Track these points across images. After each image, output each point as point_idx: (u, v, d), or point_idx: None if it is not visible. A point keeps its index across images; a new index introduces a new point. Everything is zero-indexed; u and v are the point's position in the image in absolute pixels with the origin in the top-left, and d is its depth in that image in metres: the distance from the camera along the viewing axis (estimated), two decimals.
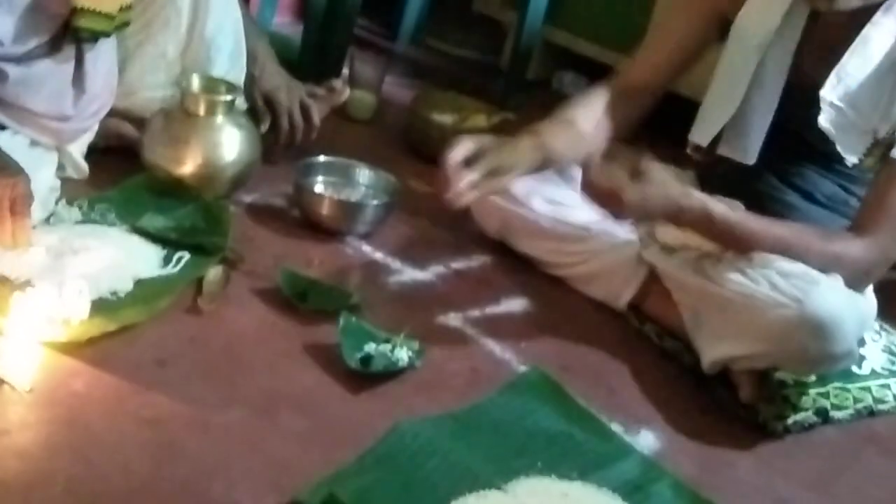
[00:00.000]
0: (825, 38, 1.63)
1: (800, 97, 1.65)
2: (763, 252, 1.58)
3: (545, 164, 1.65)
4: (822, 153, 1.64)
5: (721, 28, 1.75)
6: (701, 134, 1.75)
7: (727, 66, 1.73)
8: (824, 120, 1.60)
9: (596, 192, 1.57)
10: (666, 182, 1.58)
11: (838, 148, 1.61)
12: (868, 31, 1.58)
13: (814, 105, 1.61)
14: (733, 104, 1.70)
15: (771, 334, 1.53)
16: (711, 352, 1.62)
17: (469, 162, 1.53)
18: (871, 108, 1.58)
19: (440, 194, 1.52)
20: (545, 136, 1.65)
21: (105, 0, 1.66)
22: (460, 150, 1.53)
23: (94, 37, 1.69)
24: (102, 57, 1.76)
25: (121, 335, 1.42)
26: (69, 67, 1.71)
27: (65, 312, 1.37)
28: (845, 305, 1.52)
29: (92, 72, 1.74)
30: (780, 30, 1.66)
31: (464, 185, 1.51)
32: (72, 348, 1.36)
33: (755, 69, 1.68)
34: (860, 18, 1.58)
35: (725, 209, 1.60)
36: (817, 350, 1.51)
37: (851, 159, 1.61)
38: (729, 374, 1.63)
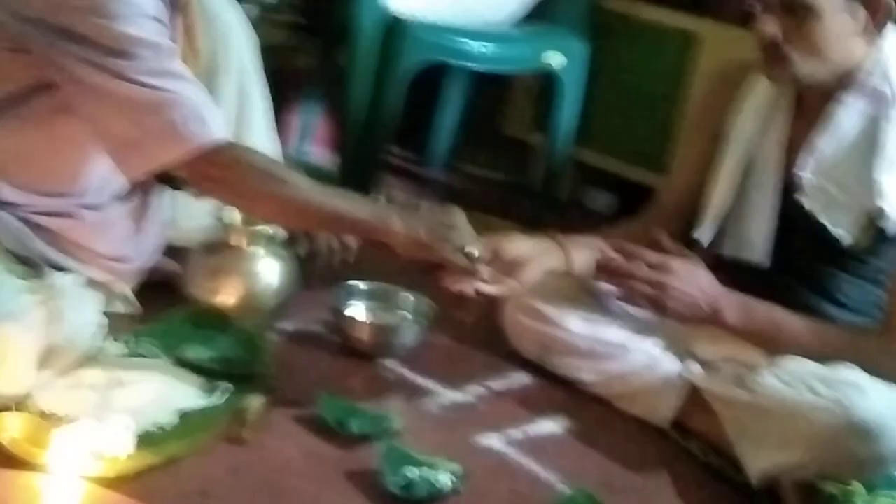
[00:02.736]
0: (806, 129, 1.71)
1: (795, 192, 1.70)
2: (803, 348, 1.61)
3: (565, 264, 1.72)
4: (835, 249, 1.67)
5: None
6: (702, 231, 1.80)
7: (722, 167, 1.81)
8: (809, 202, 1.67)
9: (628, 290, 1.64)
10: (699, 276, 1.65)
11: (828, 226, 1.65)
12: (833, 108, 1.66)
13: None
14: (727, 199, 1.77)
15: (817, 440, 1.53)
16: (758, 463, 1.60)
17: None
18: (857, 183, 1.63)
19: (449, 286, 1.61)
20: (566, 244, 1.77)
21: None
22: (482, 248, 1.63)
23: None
24: (162, 203, 1.83)
25: (164, 467, 1.42)
26: (136, 214, 1.77)
27: (109, 447, 1.38)
28: (890, 407, 1.52)
29: (153, 217, 1.80)
30: (766, 128, 1.74)
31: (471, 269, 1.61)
32: (116, 483, 1.37)
33: (749, 168, 1.75)
34: (834, 104, 1.67)
35: (768, 305, 1.63)
36: (864, 454, 1.51)
37: (843, 236, 1.64)
38: (776, 489, 1.61)
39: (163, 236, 1.88)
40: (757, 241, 1.74)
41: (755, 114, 1.77)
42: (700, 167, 1.87)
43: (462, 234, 1.62)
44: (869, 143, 1.64)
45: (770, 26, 1.61)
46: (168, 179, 1.81)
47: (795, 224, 1.71)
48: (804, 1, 1.58)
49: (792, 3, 1.59)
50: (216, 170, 1.53)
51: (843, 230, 1.65)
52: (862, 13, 1.60)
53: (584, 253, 1.78)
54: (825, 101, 1.68)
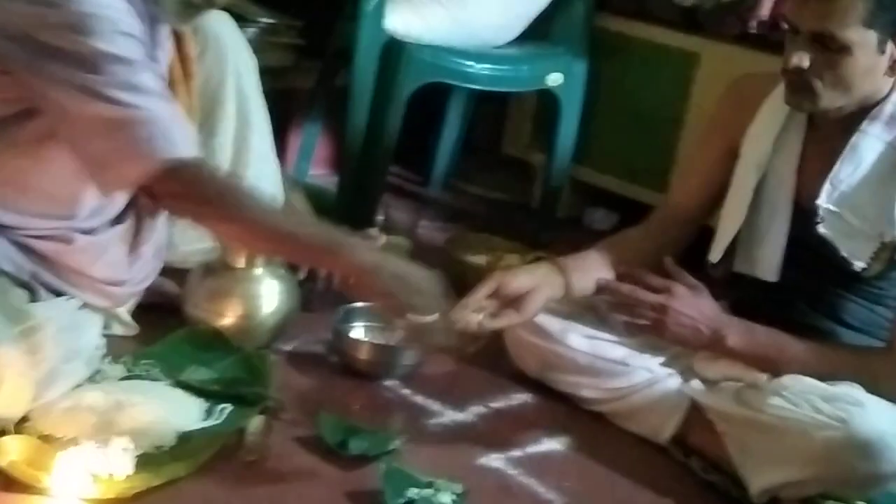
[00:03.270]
0: (822, 152, 1.69)
1: (809, 215, 1.69)
2: (805, 371, 1.62)
3: (565, 290, 1.74)
4: (844, 272, 1.66)
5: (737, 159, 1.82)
6: (714, 250, 1.80)
7: (734, 187, 1.80)
8: (825, 228, 1.65)
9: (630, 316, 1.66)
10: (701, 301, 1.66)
11: (843, 253, 1.64)
12: (856, 139, 1.64)
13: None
14: (739, 218, 1.76)
15: (818, 457, 1.53)
16: (759, 480, 1.60)
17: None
18: (875, 213, 1.62)
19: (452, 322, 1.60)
20: (567, 267, 1.76)
21: None
22: (483, 291, 1.65)
23: None
24: (157, 225, 1.83)
25: (165, 489, 1.42)
26: (129, 236, 1.78)
27: (109, 469, 1.38)
28: (891, 424, 1.53)
29: (147, 240, 1.81)
30: (778, 147, 1.73)
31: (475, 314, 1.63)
32: None
33: (760, 186, 1.74)
34: (850, 129, 1.65)
35: (770, 330, 1.64)
36: (865, 471, 1.51)
37: (858, 264, 1.64)
38: None
39: (159, 258, 1.88)
40: (768, 260, 1.73)
41: (768, 132, 1.75)
42: (710, 177, 1.86)
43: (424, 300, 1.55)
44: (889, 173, 1.63)
45: (799, 57, 1.58)
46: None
47: (806, 245, 1.70)
48: (840, 38, 1.55)
49: (826, 38, 1.56)
50: (178, 186, 1.52)
51: (858, 259, 1.64)
52: (890, 49, 1.58)
53: (585, 275, 1.78)
54: (839, 125, 1.66)
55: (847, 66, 1.57)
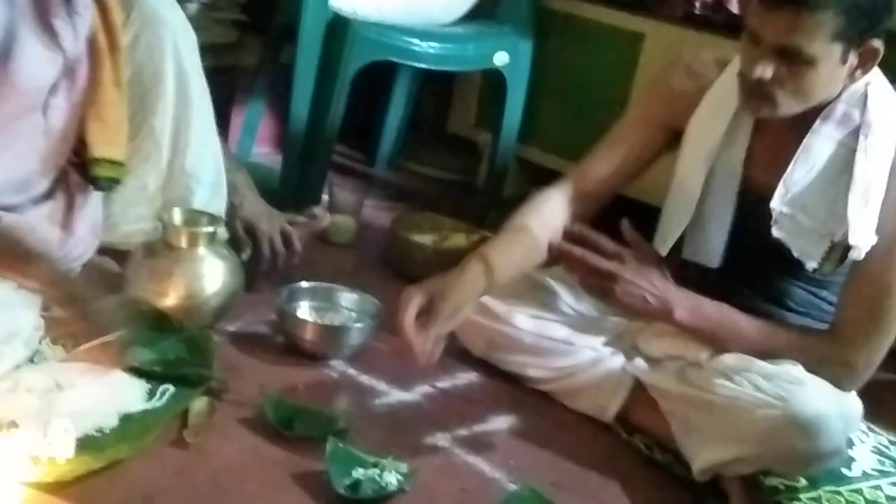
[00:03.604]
0: (770, 146, 1.69)
1: (754, 205, 1.70)
2: (751, 349, 1.63)
3: (493, 288, 1.69)
4: (786, 259, 1.67)
5: (672, 139, 1.81)
6: (661, 242, 1.78)
7: (681, 176, 1.79)
8: (778, 230, 1.65)
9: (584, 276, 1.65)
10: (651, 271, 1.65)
11: (795, 254, 1.65)
12: (809, 139, 1.63)
13: (767, 213, 1.65)
14: (688, 213, 1.74)
15: (758, 435, 1.55)
16: (701, 458, 1.62)
17: (422, 311, 1.57)
18: (826, 212, 1.62)
19: (409, 363, 1.55)
20: (493, 257, 1.68)
21: (117, 149, 1.75)
22: (411, 309, 1.56)
23: (111, 185, 1.77)
24: (90, 202, 1.80)
25: (107, 472, 1.40)
26: (59, 214, 1.74)
27: (50, 452, 1.36)
28: (830, 403, 1.55)
29: (80, 217, 1.77)
30: (727, 139, 1.71)
31: (428, 347, 1.55)
32: (57, 488, 1.35)
33: (707, 178, 1.73)
34: (800, 126, 1.63)
35: (718, 304, 1.66)
36: (805, 449, 1.53)
37: (810, 264, 1.65)
38: (720, 484, 1.63)
39: (95, 236, 1.84)
40: (714, 248, 1.73)
41: (716, 125, 1.73)
42: (638, 154, 1.82)
43: (101, 319, 1.56)
44: (840, 173, 1.62)
45: (762, 69, 1.53)
46: (93, 181, 1.79)
47: (751, 233, 1.70)
48: (806, 53, 1.51)
49: (791, 52, 1.52)
50: None
51: (810, 258, 1.64)
52: (852, 58, 1.55)
53: (510, 257, 1.72)
54: (789, 119, 1.63)
55: (810, 77, 1.54)
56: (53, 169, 1.70)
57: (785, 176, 1.63)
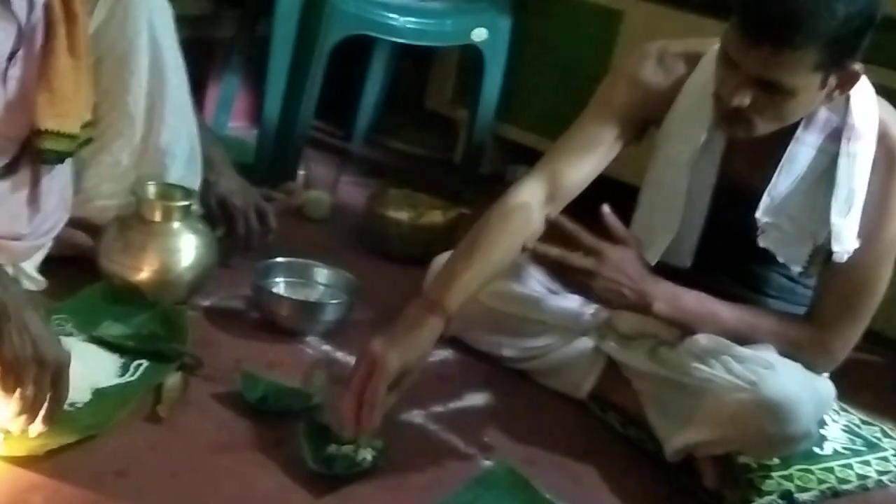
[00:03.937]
0: (749, 149, 1.65)
1: (732, 199, 1.67)
2: (731, 337, 1.63)
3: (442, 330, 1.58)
4: (764, 252, 1.66)
5: (639, 132, 1.76)
6: (647, 250, 1.71)
7: (659, 179, 1.74)
8: (764, 240, 1.64)
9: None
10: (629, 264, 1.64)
11: (781, 260, 1.65)
12: (793, 148, 1.60)
13: (747, 205, 1.64)
14: (676, 222, 1.70)
15: (729, 418, 1.55)
16: (673, 439, 1.62)
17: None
18: (808, 216, 1.62)
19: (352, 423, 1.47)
20: (448, 302, 1.56)
21: (67, 120, 1.68)
22: (383, 383, 1.46)
23: (59, 158, 1.71)
24: (58, 175, 1.77)
25: (80, 446, 1.40)
26: (25, 188, 1.71)
27: (21, 426, 1.35)
28: (801, 387, 1.55)
29: (47, 190, 1.75)
30: (706, 143, 1.66)
31: (377, 423, 1.47)
32: (29, 462, 1.34)
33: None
34: (779, 133, 1.59)
35: (697, 294, 1.65)
36: (775, 432, 1.53)
37: (796, 268, 1.65)
38: (693, 461, 1.64)
39: (64, 211, 1.82)
40: (686, 250, 1.72)
41: (695, 131, 1.66)
42: (612, 153, 1.73)
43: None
44: (822, 178, 1.60)
45: (740, 98, 1.49)
46: (38, 154, 1.69)
47: (726, 228, 1.69)
48: (787, 85, 1.48)
49: (771, 83, 1.48)
50: None
51: (796, 263, 1.64)
52: (832, 80, 1.51)
53: (475, 289, 1.62)
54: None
55: (789, 104, 1.52)
56: (15, 141, 1.67)
57: (770, 187, 1.61)
